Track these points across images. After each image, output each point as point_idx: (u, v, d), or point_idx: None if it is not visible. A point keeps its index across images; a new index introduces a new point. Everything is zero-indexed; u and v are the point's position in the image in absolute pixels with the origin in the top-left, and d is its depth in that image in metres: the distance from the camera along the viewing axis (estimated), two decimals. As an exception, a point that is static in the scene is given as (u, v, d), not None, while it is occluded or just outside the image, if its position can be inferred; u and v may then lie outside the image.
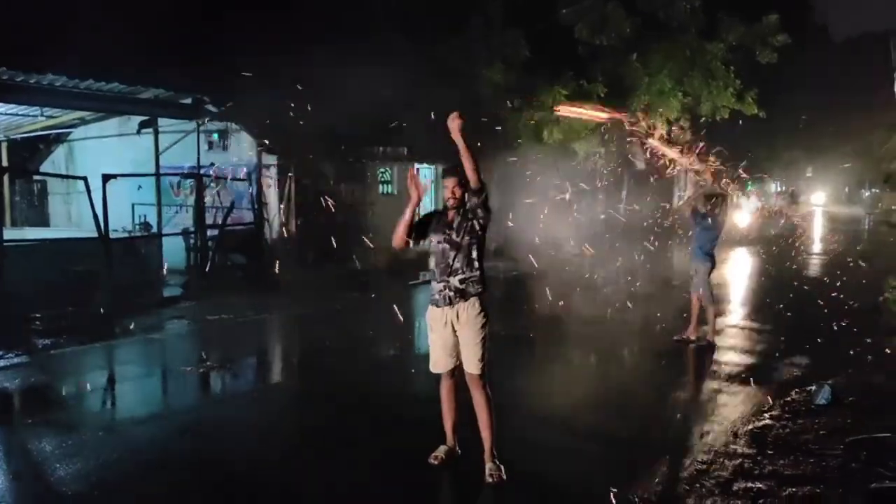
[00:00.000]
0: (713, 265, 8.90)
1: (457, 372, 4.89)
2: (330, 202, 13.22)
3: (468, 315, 4.73)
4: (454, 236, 4.75)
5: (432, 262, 4.90)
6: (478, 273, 4.79)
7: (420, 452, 5.03)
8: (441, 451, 4.96)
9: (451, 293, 4.74)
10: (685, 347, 8.76)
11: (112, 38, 11.42)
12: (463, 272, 4.74)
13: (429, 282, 4.95)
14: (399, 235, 4.78)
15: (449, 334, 4.79)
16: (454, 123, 4.60)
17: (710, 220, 8.79)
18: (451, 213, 4.85)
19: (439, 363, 4.89)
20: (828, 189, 55.49)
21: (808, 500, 4.60)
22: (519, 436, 5.43)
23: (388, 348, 9.19)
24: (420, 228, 4.87)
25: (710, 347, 8.64)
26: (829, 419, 6.02)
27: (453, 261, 4.74)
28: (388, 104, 15.41)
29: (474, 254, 4.78)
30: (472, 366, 4.76)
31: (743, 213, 24.71)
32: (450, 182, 4.80)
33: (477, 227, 4.76)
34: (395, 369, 8.04)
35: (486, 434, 4.81)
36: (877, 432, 5.44)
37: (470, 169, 4.60)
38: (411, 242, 4.81)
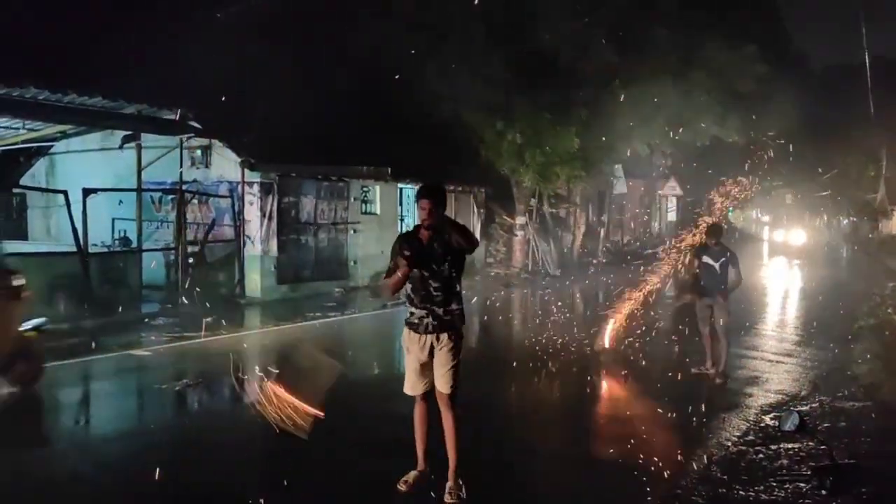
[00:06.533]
0: None
1: (431, 396, 4.88)
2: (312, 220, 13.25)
3: (447, 340, 4.75)
4: (434, 265, 4.69)
5: (409, 287, 4.78)
6: (461, 305, 4.80)
7: (392, 473, 5.02)
8: (411, 476, 4.94)
9: (435, 322, 4.72)
10: (705, 381, 8.45)
11: (97, 51, 11.44)
12: (446, 303, 4.73)
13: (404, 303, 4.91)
14: (389, 293, 4.82)
15: (425, 357, 4.79)
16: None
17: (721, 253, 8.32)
18: (425, 235, 4.70)
19: (414, 386, 4.90)
20: (807, 217, 53.45)
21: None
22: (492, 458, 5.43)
23: (366, 368, 9.16)
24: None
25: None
26: (799, 446, 6.09)
27: (435, 290, 4.71)
28: (370, 124, 15.53)
29: (457, 285, 4.78)
30: (444, 386, 4.79)
31: None
32: (425, 203, 4.66)
33: (457, 255, 4.74)
34: (373, 389, 8.01)
35: (451, 453, 4.83)
36: (841, 458, 5.50)
37: (465, 242, 4.67)
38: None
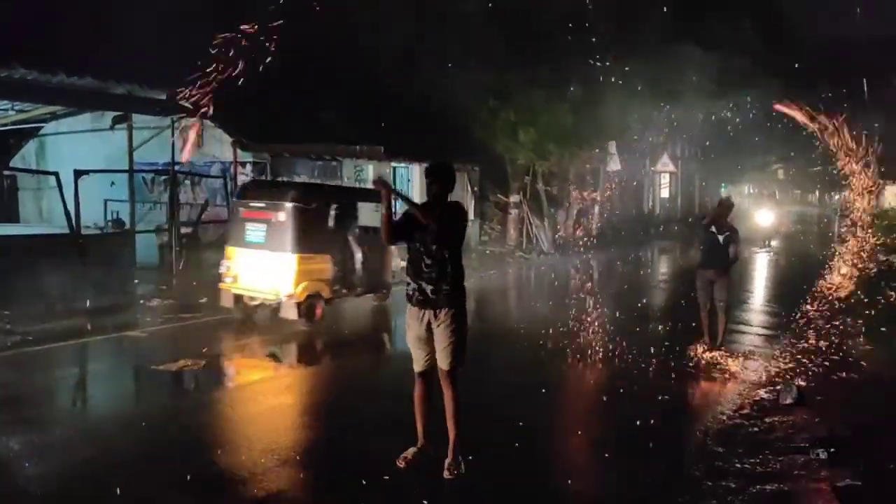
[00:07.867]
0: None
1: (431, 374, 4.90)
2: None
3: (443, 318, 4.76)
4: (428, 240, 4.72)
5: (407, 259, 4.86)
6: (450, 286, 4.75)
7: (392, 450, 5.04)
8: (410, 452, 4.96)
9: (421, 297, 4.76)
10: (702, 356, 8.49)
11: (86, 32, 11.29)
12: (436, 282, 4.72)
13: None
14: (384, 233, 4.75)
15: (423, 331, 4.81)
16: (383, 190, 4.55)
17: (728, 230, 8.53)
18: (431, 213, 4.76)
19: (417, 360, 4.93)
20: (798, 191, 54.05)
21: (775, 498, 4.69)
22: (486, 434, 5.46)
23: (367, 347, 9.19)
24: (406, 227, 4.78)
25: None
26: (796, 418, 6.13)
27: (426, 266, 4.73)
28: (363, 102, 15.43)
29: (448, 264, 4.75)
30: (443, 362, 4.82)
31: None
32: (428, 181, 4.83)
33: (451, 237, 4.77)
34: (374, 368, 8.04)
35: (451, 430, 4.85)
36: (840, 431, 5.56)
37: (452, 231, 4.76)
38: (394, 242, 4.93)
